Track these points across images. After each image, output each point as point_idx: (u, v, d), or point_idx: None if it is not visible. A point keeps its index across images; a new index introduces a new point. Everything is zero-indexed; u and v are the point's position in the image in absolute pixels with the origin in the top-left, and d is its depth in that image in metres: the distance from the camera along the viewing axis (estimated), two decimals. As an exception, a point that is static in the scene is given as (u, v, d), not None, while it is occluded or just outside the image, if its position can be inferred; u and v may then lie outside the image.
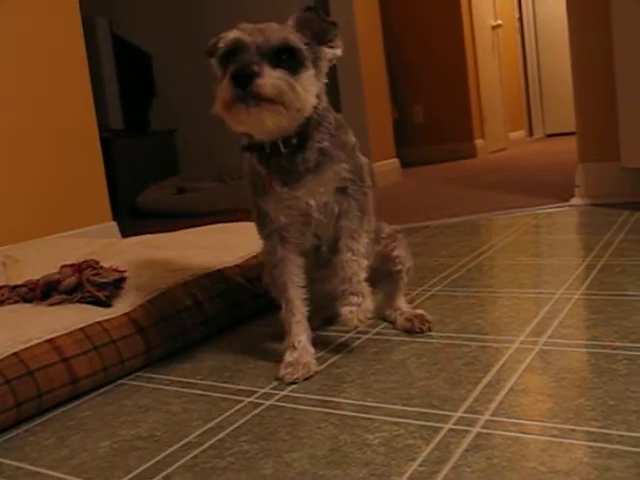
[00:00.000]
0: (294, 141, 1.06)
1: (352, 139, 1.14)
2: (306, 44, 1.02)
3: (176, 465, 0.85)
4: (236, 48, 0.99)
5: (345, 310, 1.11)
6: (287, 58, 0.98)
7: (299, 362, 1.09)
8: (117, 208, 3.49)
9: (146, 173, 4.51)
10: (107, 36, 4.58)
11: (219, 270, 1.45)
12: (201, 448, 0.89)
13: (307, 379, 1.08)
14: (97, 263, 1.34)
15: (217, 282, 1.42)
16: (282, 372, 1.09)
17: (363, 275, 1.13)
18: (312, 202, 1.09)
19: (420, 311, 1.29)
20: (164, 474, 0.83)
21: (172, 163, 4.96)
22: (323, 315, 1.32)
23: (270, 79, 0.95)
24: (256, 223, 1.16)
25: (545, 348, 1.09)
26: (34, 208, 2.42)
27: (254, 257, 1.53)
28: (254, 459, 0.84)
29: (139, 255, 1.57)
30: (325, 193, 1.09)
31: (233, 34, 0.99)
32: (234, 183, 4.34)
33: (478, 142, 5.74)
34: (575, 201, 2.51)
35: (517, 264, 1.72)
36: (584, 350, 1.07)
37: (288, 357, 1.11)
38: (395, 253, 1.28)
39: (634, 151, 2.30)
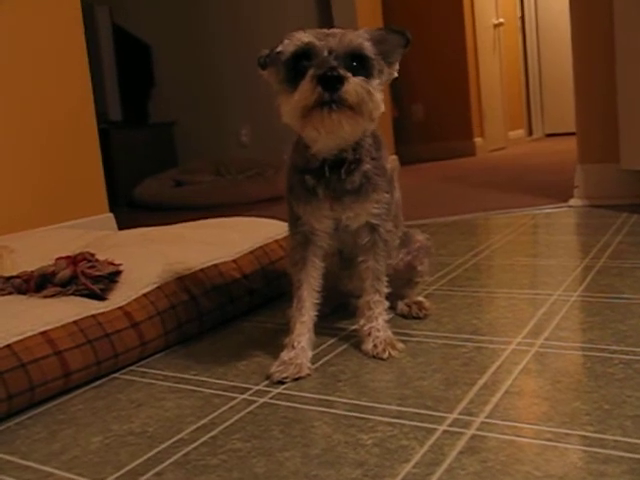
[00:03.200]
0: (353, 156, 1.07)
1: (388, 165, 1.15)
2: (375, 55, 1.01)
3: (168, 462, 0.84)
4: (307, 52, 0.95)
5: (371, 347, 1.13)
6: (358, 65, 0.97)
7: (293, 362, 1.09)
8: (114, 200, 3.48)
9: (144, 165, 4.50)
10: (107, 26, 4.56)
11: (215, 265, 1.44)
12: (193, 445, 0.88)
13: (297, 379, 1.07)
14: (92, 256, 1.33)
15: (213, 277, 1.41)
16: (273, 369, 1.08)
17: (387, 315, 1.18)
18: (345, 219, 1.11)
19: (420, 298, 1.34)
20: (156, 470, 0.82)
21: (170, 155, 4.95)
22: (337, 302, 1.37)
23: (355, 85, 0.94)
24: (288, 219, 1.17)
25: (541, 350, 1.09)
26: (31, 198, 2.41)
27: (250, 252, 1.53)
28: (246, 457, 0.83)
29: (135, 248, 1.55)
30: (360, 216, 1.11)
31: (305, 37, 0.96)
32: (232, 177, 4.33)
33: (477, 140, 5.73)
34: (574, 202, 2.51)
35: (515, 264, 1.71)
36: (580, 353, 1.07)
37: (284, 355, 1.11)
38: (420, 268, 1.33)
39: (634, 153, 2.30)
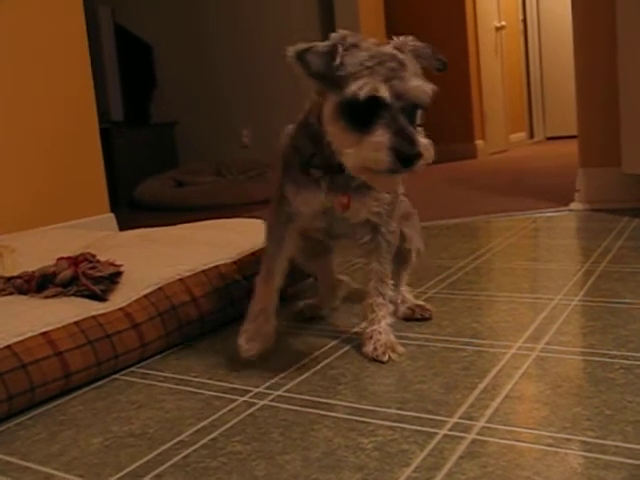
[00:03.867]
0: None
1: None
2: None
3: (168, 464, 0.84)
4: (378, 103, 0.91)
5: (371, 349, 1.14)
6: (419, 111, 0.96)
7: (259, 332, 1.13)
8: (115, 200, 3.48)
9: (145, 165, 4.50)
10: (110, 26, 4.56)
11: (216, 266, 1.44)
12: (193, 447, 0.88)
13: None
14: (93, 256, 1.33)
15: (214, 278, 1.41)
16: (242, 344, 1.13)
17: (390, 319, 1.18)
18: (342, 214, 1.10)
19: (421, 302, 1.35)
20: (155, 473, 0.82)
21: (171, 156, 4.96)
22: (337, 295, 1.40)
23: (426, 152, 0.92)
24: (275, 196, 1.16)
25: (542, 355, 1.09)
26: (32, 198, 2.41)
27: (251, 254, 1.53)
28: (246, 460, 0.83)
29: (135, 249, 1.56)
30: (359, 212, 1.11)
31: (373, 90, 0.90)
32: (233, 177, 4.33)
33: (479, 143, 5.73)
34: (575, 206, 2.51)
35: (515, 268, 1.71)
36: (581, 358, 1.07)
37: (247, 325, 1.14)
38: (405, 230, 1.30)
39: (635, 157, 2.30)
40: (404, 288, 1.37)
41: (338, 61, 0.92)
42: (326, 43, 0.95)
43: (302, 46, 0.94)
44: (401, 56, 0.95)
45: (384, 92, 0.90)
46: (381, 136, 0.89)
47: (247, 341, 1.13)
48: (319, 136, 1.02)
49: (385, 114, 0.90)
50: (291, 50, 0.94)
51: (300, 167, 1.08)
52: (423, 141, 0.92)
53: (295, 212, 1.12)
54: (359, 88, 0.90)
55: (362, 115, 0.91)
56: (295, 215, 1.13)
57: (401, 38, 1.01)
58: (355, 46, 0.94)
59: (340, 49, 0.93)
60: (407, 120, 0.92)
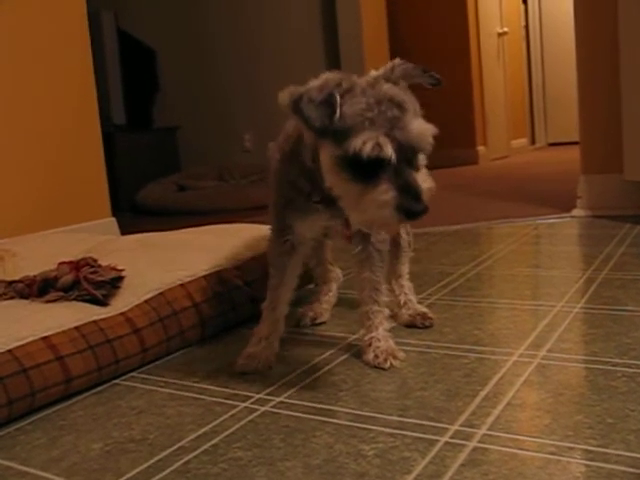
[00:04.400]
0: None
1: None
2: None
3: (168, 470, 0.84)
4: (382, 160, 0.87)
5: (372, 357, 1.14)
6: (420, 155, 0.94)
7: (260, 355, 1.15)
8: (117, 204, 3.48)
9: (147, 169, 4.51)
10: (112, 31, 4.58)
11: (217, 272, 1.44)
12: (194, 453, 0.88)
13: (257, 376, 1.13)
14: (95, 261, 1.33)
15: (215, 284, 1.41)
16: (240, 361, 1.16)
17: (387, 324, 1.18)
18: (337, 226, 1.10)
19: (424, 309, 1.35)
20: (156, 479, 0.82)
21: (173, 160, 4.96)
22: (332, 289, 1.45)
23: (429, 195, 0.92)
24: (274, 227, 1.16)
25: (543, 362, 1.08)
26: (33, 202, 2.41)
27: (253, 259, 1.52)
28: (247, 466, 0.83)
29: (137, 254, 1.56)
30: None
31: (376, 148, 0.86)
32: (235, 182, 4.34)
33: (480, 149, 5.73)
34: (576, 212, 2.50)
35: (517, 275, 1.71)
36: (583, 366, 1.06)
37: (250, 348, 1.17)
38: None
39: (637, 164, 2.29)
40: (406, 284, 1.37)
41: (338, 114, 0.89)
42: (322, 92, 0.89)
43: (296, 94, 0.90)
44: (398, 97, 0.91)
45: (387, 150, 0.86)
46: (386, 194, 0.87)
47: (245, 359, 1.16)
48: (315, 175, 0.99)
49: (388, 168, 0.88)
50: (285, 99, 0.90)
51: (297, 198, 1.08)
52: (425, 185, 0.91)
53: (299, 239, 1.14)
54: (362, 144, 0.86)
55: (365, 168, 0.88)
56: (299, 243, 1.14)
57: (389, 64, 0.97)
58: (350, 91, 0.90)
59: (338, 99, 0.89)
60: (410, 169, 0.90)
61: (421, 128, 0.91)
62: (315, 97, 0.89)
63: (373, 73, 0.97)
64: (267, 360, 1.16)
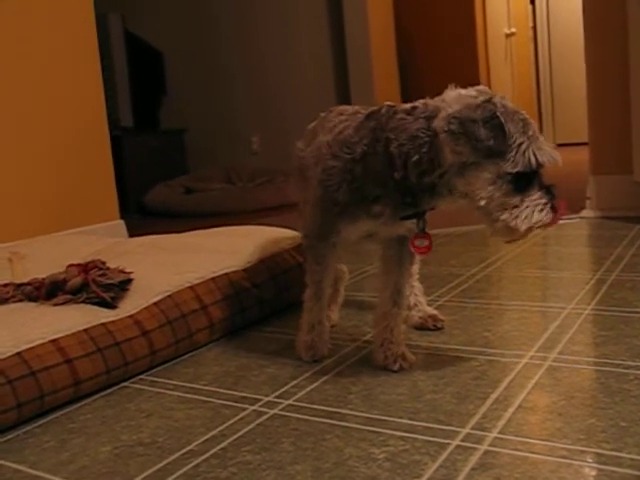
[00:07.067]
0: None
1: None
2: None
3: (178, 473, 0.83)
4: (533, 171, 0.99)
5: (382, 358, 1.14)
6: None
7: (318, 341, 1.19)
8: (125, 206, 3.49)
9: (155, 172, 4.51)
10: (120, 33, 4.59)
11: (226, 274, 1.43)
12: (203, 457, 0.87)
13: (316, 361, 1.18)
14: (103, 264, 1.33)
15: (223, 286, 1.40)
16: (303, 353, 1.20)
17: (403, 327, 1.19)
18: (384, 232, 1.14)
19: (434, 311, 1.34)
20: (165, 482, 0.82)
21: (181, 162, 4.96)
22: (339, 289, 1.44)
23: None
24: (318, 229, 1.16)
25: (554, 364, 1.07)
26: (42, 205, 2.42)
27: (261, 262, 1.52)
28: (257, 470, 0.82)
29: (145, 256, 1.56)
30: (399, 230, 1.13)
31: (537, 162, 0.98)
32: (242, 184, 4.34)
33: (488, 150, 5.71)
34: (586, 213, 2.49)
35: (526, 276, 1.70)
36: (594, 368, 1.05)
37: (305, 336, 1.20)
38: None
39: (647, 165, 2.28)
40: (417, 285, 1.36)
41: (508, 133, 0.96)
42: (486, 110, 0.95)
43: (463, 116, 0.95)
44: (523, 115, 0.99)
45: (542, 163, 0.99)
46: (542, 197, 1.00)
47: (307, 349, 1.20)
48: (404, 186, 1.04)
49: (536, 175, 1.00)
50: (455, 122, 0.95)
51: (357, 203, 1.08)
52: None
53: (343, 240, 1.16)
54: (530, 159, 0.96)
55: (523, 179, 0.98)
56: (341, 243, 1.17)
57: (479, 88, 1.03)
58: (502, 110, 0.97)
59: (502, 119, 0.95)
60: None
61: (550, 149, 1.02)
62: (477, 117, 0.95)
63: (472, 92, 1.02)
64: (326, 343, 1.21)
